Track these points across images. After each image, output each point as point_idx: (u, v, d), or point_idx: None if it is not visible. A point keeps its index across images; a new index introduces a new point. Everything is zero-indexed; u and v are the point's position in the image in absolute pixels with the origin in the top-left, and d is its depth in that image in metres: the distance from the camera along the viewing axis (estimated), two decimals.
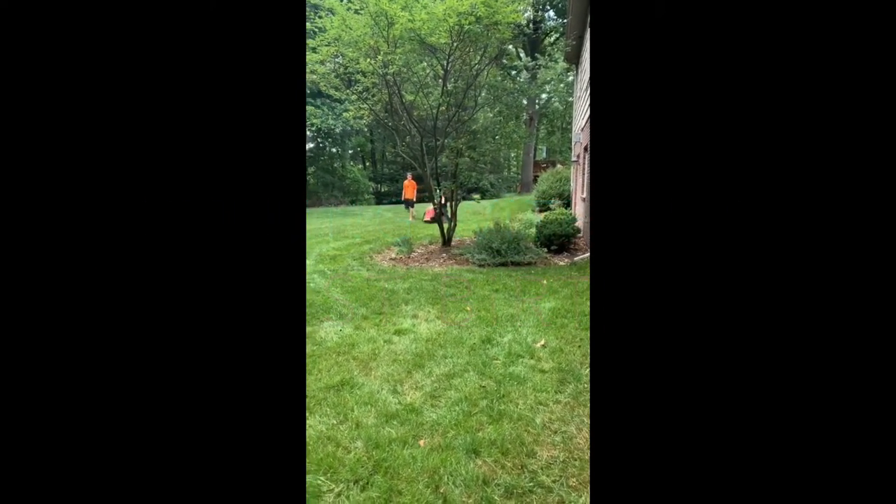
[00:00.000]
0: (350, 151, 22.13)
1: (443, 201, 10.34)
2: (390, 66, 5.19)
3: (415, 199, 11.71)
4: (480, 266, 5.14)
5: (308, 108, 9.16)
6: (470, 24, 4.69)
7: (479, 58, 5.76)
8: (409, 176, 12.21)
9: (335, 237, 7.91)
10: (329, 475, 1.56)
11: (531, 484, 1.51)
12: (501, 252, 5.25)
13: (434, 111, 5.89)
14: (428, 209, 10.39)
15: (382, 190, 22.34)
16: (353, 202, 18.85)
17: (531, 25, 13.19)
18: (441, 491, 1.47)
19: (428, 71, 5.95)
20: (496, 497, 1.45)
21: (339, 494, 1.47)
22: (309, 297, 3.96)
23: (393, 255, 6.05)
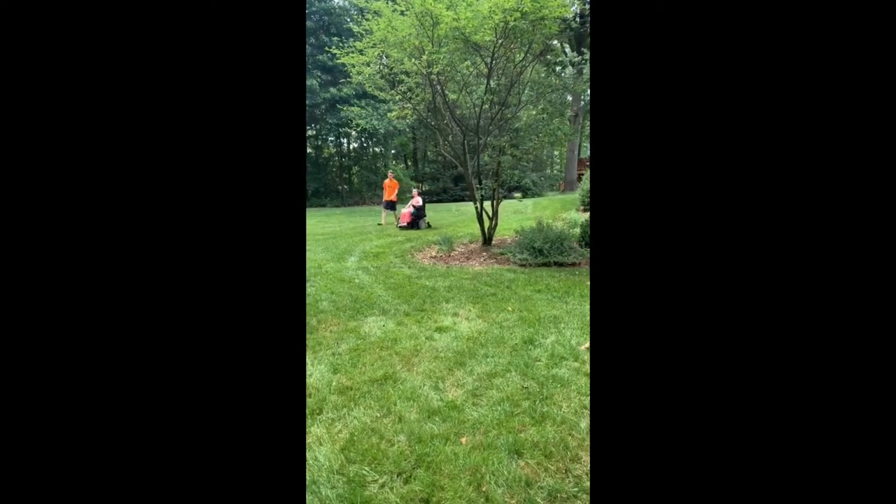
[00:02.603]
0: (392, 151, 22.53)
1: (419, 203, 9.11)
2: (434, 66, 5.23)
3: (395, 201, 10.24)
4: (522, 266, 5.07)
5: (353, 108, 9.41)
6: (515, 20, 4.63)
7: (523, 55, 5.68)
8: (389, 175, 10.64)
9: (377, 235, 8.09)
10: (373, 466, 1.59)
11: (576, 489, 1.47)
12: (544, 252, 5.15)
13: (477, 109, 5.87)
14: (403, 212, 9.10)
15: (424, 189, 22.57)
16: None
17: (578, 19, 12.81)
18: (483, 489, 1.47)
19: (471, 69, 5.94)
20: (539, 500, 1.43)
21: (382, 485, 1.50)
22: (353, 292, 4.07)
23: (433, 254, 6.10)
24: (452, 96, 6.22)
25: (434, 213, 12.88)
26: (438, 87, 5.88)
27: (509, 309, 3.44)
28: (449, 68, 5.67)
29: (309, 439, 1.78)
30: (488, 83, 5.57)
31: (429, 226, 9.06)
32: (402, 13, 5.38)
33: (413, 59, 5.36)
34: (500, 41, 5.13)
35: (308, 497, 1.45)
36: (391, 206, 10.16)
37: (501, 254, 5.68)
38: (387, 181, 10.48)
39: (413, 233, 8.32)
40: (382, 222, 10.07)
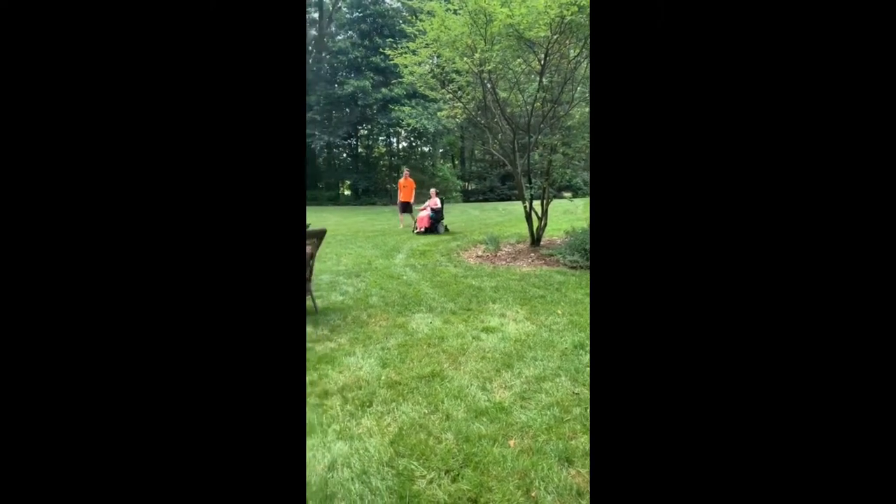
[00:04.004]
0: (441, 150, 22.71)
1: (437, 205, 8.33)
2: (486, 64, 5.20)
3: (412, 202, 9.17)
4: (572, 268, 4.92)
5: (404, 108, 9.57)
6: (572, 14, 4.49)
7: (578, 50, 5.50)
8: (405, 173, 9.43)
9: (423, 233, 8.18)
10: (421, 461, 1.61)
11: None
12: None
13: (528, 107, 5.77)
14: (420, 216, 8.30)
15: (470, 188, 22.59)
16: (441, 200, 19.35)
17: None
18: (532, 495, 1.44)
19: (523, 67, 5.84)
20: None
21: (431, 481, 1.51)
22: (401, 289, 4.15)
23: (479, 253, 6.07)
24: (503, 94, 6.16)
25: (480, 212, 12.81)
26: (489, 86, 5.84)
27: (559, 312, 3.35)
28: (501, 66, 5.61)
29: (359, 430, 1.83)
30: (541, 80, 5.45)
31: (446, 230, 8.34)
32: (454, 12, 5.39)
33: (465, 58, 5.36)
34: (554, 37, 5.00)
35: (359, 486, 1.49)
36: (407, 207, 9.16)
37: (550, 255, 5.54)
38: (402, 180, 9.30)
39: (459, 231, 8.32)
40: (401, 225, 9.10)
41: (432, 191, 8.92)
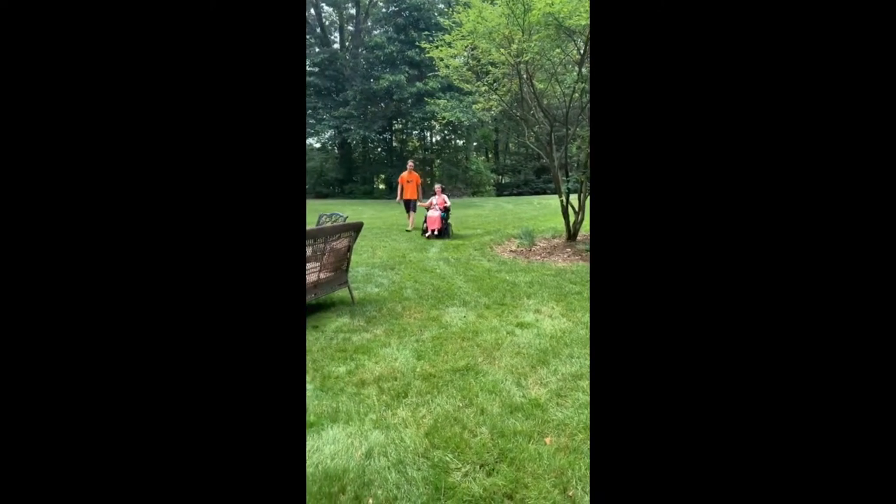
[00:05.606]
0: (474, 143, 22.56)
1: (446, 203, 7.06)
2: (524, 55, 5.09)
3: (418, 199, 7.77)
4: None
5: (439, 102, 9.56)
6: None
7: None
8: (409, 166, 7.86)
9: (457, 227, 8.17)
10: (456, 454, 1.62)
11: None
12: None
13: (567, 98, 5.62)
14: (430, 216, 6.97)
15: (503, 181, 22.36)
16: (474, 193, 19.28)
17: None
18: (569, 494, 1.41)
19: (562, 57, 5.68)
20: None
21: (466, 475, 1.52)
22: (434, 282, 4.17)
23: (513, 248, 6.01)
24: (540, 86, 6.02)
25: (514, 205, 12.66)
26: (525, 77, 5.73)
27: None
28: (538, 56, 5.48)
29: (395, 420, 1.86)
30: (580, 70, 5.28)
31: (452, 232, 7.23)
32: (492, 2, 5.31)
33: (501, 49, 5.27)
34: None
35: (395, 476, 1.52)
36: (411, 205, 7.80)
37: (587, 250, 5.40)
38: (405, 174, 7.73)
39: (492, 225, 8.25)
40: (410, 227, 7.81)
41: (437, 187, 7.45)
